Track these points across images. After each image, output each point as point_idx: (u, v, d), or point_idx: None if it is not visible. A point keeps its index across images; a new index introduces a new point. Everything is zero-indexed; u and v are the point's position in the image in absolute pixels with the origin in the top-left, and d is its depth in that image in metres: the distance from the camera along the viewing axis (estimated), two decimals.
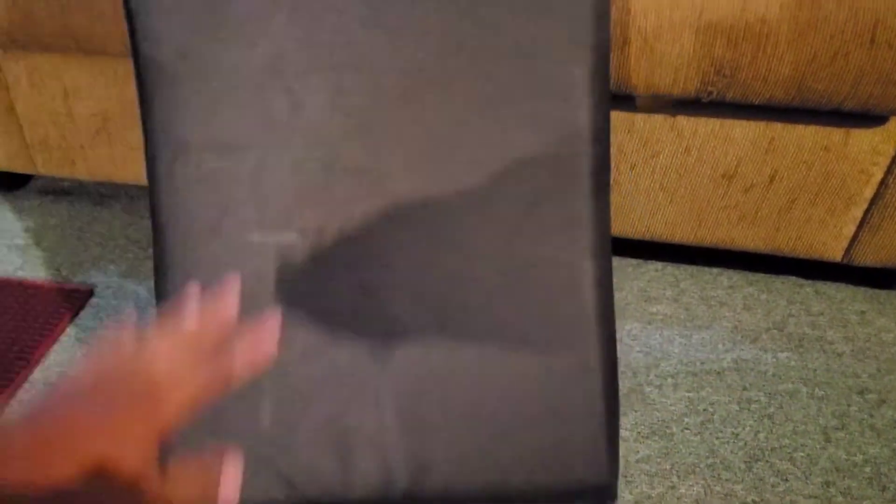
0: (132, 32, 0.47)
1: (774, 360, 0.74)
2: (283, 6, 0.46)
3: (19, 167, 0.87)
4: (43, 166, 0.86)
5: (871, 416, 0.68)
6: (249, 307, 0.35)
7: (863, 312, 0.80)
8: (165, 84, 0.48)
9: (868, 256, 0.76)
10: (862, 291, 0.83)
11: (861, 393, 0.70)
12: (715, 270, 0.86)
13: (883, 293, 0.83)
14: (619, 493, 0.60)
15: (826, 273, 0.85)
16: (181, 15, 0.46)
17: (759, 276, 0.85)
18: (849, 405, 0.69)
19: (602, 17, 0.51)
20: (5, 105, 0.81)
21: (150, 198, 0.51)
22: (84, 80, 0.77)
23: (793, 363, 0.73)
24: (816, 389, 0.71)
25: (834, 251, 0.77)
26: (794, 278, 0.85)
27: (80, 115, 0.79)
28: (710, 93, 0.66)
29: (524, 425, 0.49)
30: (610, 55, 0.54)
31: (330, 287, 0.49)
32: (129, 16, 0.48)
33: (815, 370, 0.73)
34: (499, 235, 0.49)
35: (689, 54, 0.63)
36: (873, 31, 0.60)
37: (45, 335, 0.74)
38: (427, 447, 0.48)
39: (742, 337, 0.76)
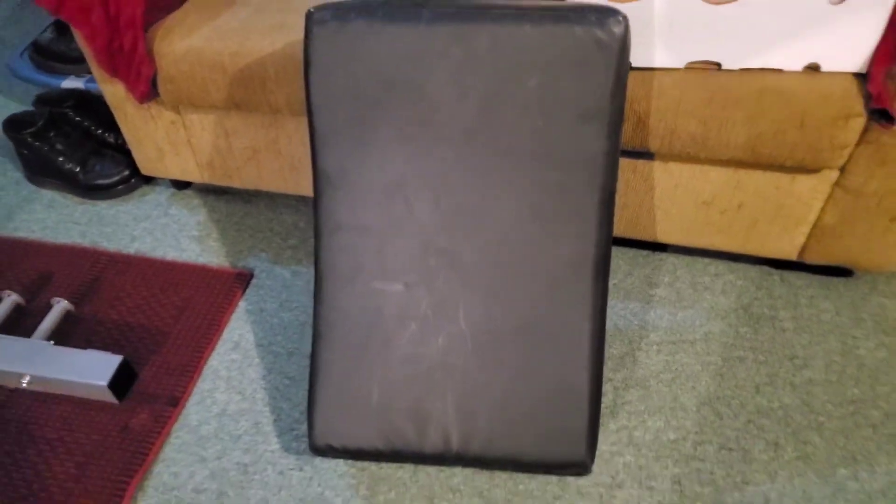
0: (313, 152, 0.82)
1: (735, 334, 1.07)
2: (406, 144, 0.79)
3: (191, 177, 1.24)
4: (208, 178, 1.23)
5: (794, 375, 1.01)
6: (369, 330, 0.71)
7: (812, 297, 1.11)
8: (329, 187, 0.82)
9: (815, 258, 1.06)
10: (817, 279, 1.13)
11: (792, 359, 1.03)
12: (707, 261, 1.17)
13: (833, 281, 1.13)
14: (608, 426, 0.96)
15: (793, 265, 1.15)
16: (342, 145, 0.80)
17: (740, 265, 1.16)
18: (780, 368, 1.02)
19: (620, 89, 0.79)
20: (185, 139, 1.17)
21: (314, 252, 0.87)
22: (240, 126, 1.12)
23: (748, 336, 1.06)
24: (759, 356, 1.04)
25: (790, 254, 1.07)
26: (767, 268, 1.15)
27: (237, 148, 1.15)
28: (689, 153, 0.95)
29: (533, 415, 0.85)
30: (623, 119, 0.83)
31: (420, 319, 0.85)
32: (312, 141, 0.82)
33: (763, 341, 1.05)
34: (519, 231, 0.83)
35: (671, 128, 0.92)
36: (802, 118, 0.87)
37: (226, 308, 1.14)
38: (470, 427, 0.85)
39: (715, 315, 1.09)
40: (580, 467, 0.85)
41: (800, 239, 1.04)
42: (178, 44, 1.05)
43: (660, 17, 0.86)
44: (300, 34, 1.00)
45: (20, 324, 1.12)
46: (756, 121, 0.90)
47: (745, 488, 0.91)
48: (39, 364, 1.01)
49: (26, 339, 1.04)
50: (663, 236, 1.10)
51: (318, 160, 0.84)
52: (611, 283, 1.15)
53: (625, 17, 0.77)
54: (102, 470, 0.94)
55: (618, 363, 1.04)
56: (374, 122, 0.82)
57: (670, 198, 1.04)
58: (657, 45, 0.88)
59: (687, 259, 1.18)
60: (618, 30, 0.74)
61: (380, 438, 0.87)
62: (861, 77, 0.87)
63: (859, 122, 0.88)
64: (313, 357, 0.89)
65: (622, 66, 0.77)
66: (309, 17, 0.83)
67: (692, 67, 0.90)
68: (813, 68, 0.87)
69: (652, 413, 0.99)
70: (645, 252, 1.19)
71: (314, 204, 0.85)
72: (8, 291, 1.11)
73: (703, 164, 0.99)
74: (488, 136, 0.80)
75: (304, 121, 1.08)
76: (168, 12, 1.10)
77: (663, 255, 1.19)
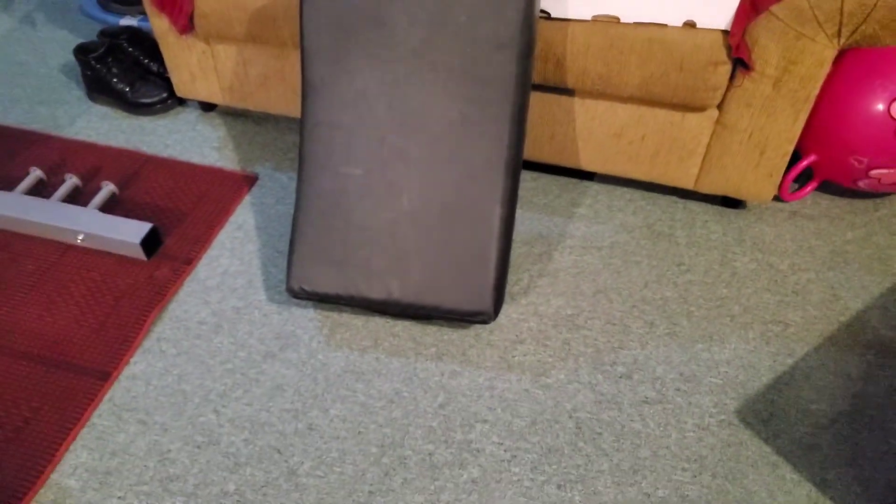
0: (302, 66, 1.12)
1: (637, 244, 1.33)
2: (370, 61, 1.08)
3: (215, 100, 1.56)
4: (229, 101, 1.54)
5: (678, 277, 1.27)
6: (335, 203, 1.00)
7: (706, 221, 1.36)
8: (313, 92, 1.11)
9: (707, 186, 1.31)
10: (714, 208, 1.39)
11: (679, 265, 1.29)
12: (625, 189, 1.43)
13: (727, 210, 1.38)
14: (520, 301, 1.24)
15: (696, 196, 1.41)
16: (323, 61, 1.10)
17: (652, 194, 1.42)
18: (667, 270, 1.28)
19: (528, 26, 1.06)
20: (212, 66, 1.48)
21: (299, 144, 1.16)
22: (255, 56, 1.42)
23: (647, 247, 1.32)
24: (653, 261, 1.30)
25: (687, 183, 1.32)
26: (674, 198, 1.41)
27: (252, 75, 1.46)
28: (598, 90, 1.22)
29: (453, 275, 1.13)
30: (535, 46, 1.11)
31: (373, 197, 1.14)
32: (302, 58, 1.12)
33: (658, 251, 1.32)
34: (451, 132, 1.11)
35: (583, 68, 1.19)
36: (682, 63, 1.13)
37: (234, 200, 1.44)
38: (406, 281, 1.14)
39: (623, 230, 1.36)
40: (486, 315, 1.13)
41: (693, 169, 1.30)
42: None
43: None
44: None
45: (77, 200, 1.44)
46: (647, 64, 1.16)
47: (619, 352, 1.18)
48: (91, 225, 1.33)
49: (83, 208, 1.36)
50: (585, 164, 1.36)
51: (306, 72, 1.13)
52: (541, 201, 1.43)
53: None
54: (132, 304, 1.26)
55: (536, 259, 1.31)
56: (348, 44, 1.11)
57: (588, 129, 1.31)
58: (570, 1, 1.15)
59: (609, 187, 1.45)
60: None
61: (339, 286, 1.16)
62: (727, 33, 1.13)
63: (726, 68, 1.14)
64: (294, 222, 1.19)
65: (530, 10, 1.05)
66: None
67: (598, 20, 1.16)
68: (690, 25, 1.14)
69: (556, 295, 1.26)
70: (575, 181, 1.46)
71: (301, 107, 1.15)
72: (70, 174, 1.43)
73: (611, 101, 1.26)
74: (430, 57, 1.09)
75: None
76: None
77: (590, 184, 1.45)
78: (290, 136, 1.60)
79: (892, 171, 1.26)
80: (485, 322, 1.15)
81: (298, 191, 1.18)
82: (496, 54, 1.07)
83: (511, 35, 1.06)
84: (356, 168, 1.14)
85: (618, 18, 1.16)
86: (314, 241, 1.18)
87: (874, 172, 1.28)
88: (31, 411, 1.12)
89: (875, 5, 1.02)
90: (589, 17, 1.16)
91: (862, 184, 1.32)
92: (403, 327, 1.22)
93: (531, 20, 1.06)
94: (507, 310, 1.24)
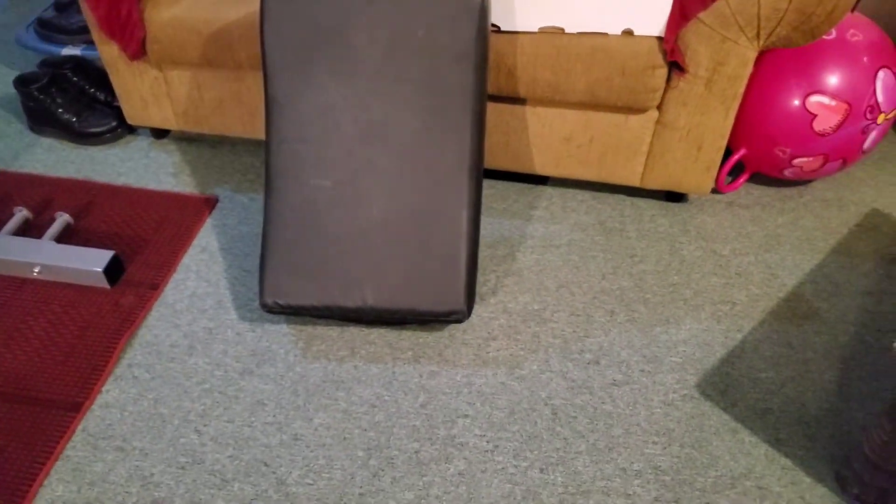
0: (266, 84, 1.15)
1: (592, 241, 1.42)
2: (334, 76, 1.13)
3: (168, 126, 1.56)
4: (183, 126, 1.55)
5: (632, 268, 1.37)
6: (306, 215, 1.04)
7: (653, 215, 1.47)
8: (277, 109, 1.15)
9: (652, 183, 1.42)
10: (659, 203, 1.50)
11: (632, 257, 1.39)
12: (577, 191, 1.53)
13: (671, 205, 1.50)
14: (489, 300, 1.30)
15: (641, 192, 1.51)
16: (288, 78, 1.14)
17: (602, 194, 1.52)
18: (622, 262, 1.38)
19: (482, 39, 1.14)
20: (165, 92, 1.49)
21: (265, 161, 1.20)
22: (210, 79, 1.45)
23: (601, 242, 1.42)
24: (608, 255, 1.39)
25: (634, 181, 1.43)
26: (622, 195, 1.52)
27: (207, 99, 1.48)
28: (548, 97, 1.31)
29: (426, 278, 1.18)
30: (488, 59, 1.18)
31: (343, 206, 1.18)
32: (265, 76, 1.15)
33: (611, 245, 1.41)
34: (415, 142, 1.17)
35: (532, 77, 1.28)
36: (623, 68, 1.23)
37: (196, 223, 1.45)
38: (380, 288, 1.18)
39: (578, 228, 1.44)
40: (460, 314, 1.19)
41: (638, 168, 1.40)
42: (165, 12, 1.37)
43: None
44: (258, 5, 1.34)
45: (29, 233, 1.42)
46: (591, 70, 1.26)
47: (585, 340, 1.25)
48: (47, 257, 1.31)
49: (37, 240, 1.34)
50: (539, 168, 1.45)
51: (269, 89, 1.17)
52: (500, 206, 1.50)
53: None
54: (99, 333, 1.24)
55: (500, 260, 1.38)
56: (311, 61, 1.16)
57: (540, 135, 1.40)
58: (517, 14, 1.24)
59: (561, 190, 1.54)
60: None
61: (314, 297, 1.19)
62: (661, 39, 1.24)
63: (663, 71, 1.25)
64: (264, 236, 1.21)
65: (483, 23, 1.12)
66: None
67: (544, 31, 1.26)
68: (628, 33, 1.24)
69: (522, 292, 1.33)
70: (530, 185, 1.55)
71: (266, 124, 1.18)
72: (19, 207, 1.41)
73: (560, 107, 1.35)
74: (391, 71, 1.15)
75: (261, 73, 1.41)
76: None
77: (544, 188, 1.54)
78: (247, 157, 1.62)
79: (811, 159, 1.40)
80: (459, 321, 1.20)
81: (267, 206, 1.21)
82: (454, 66, 1.14)
83: (467, 47, 1.13)
84: (325, 180, 1.18)
85: (562, 29, 1.25)
86: (286, 255, 1.20)
87: (797, 161, 1.41)
88: None
89: (786, 9, 1.15)
90: (536, 29, 1.25)
91: (787, 173, 1.45)
92: (379, 334, 1.26)
93: (485, 33, 1.14)
94: (478, 309, 1.30)
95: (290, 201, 1.20)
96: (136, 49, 1.41)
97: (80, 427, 1.13)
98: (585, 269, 1.38)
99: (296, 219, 1.19)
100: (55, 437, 1.11)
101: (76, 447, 1.11)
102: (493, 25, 1.26)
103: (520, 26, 1.25)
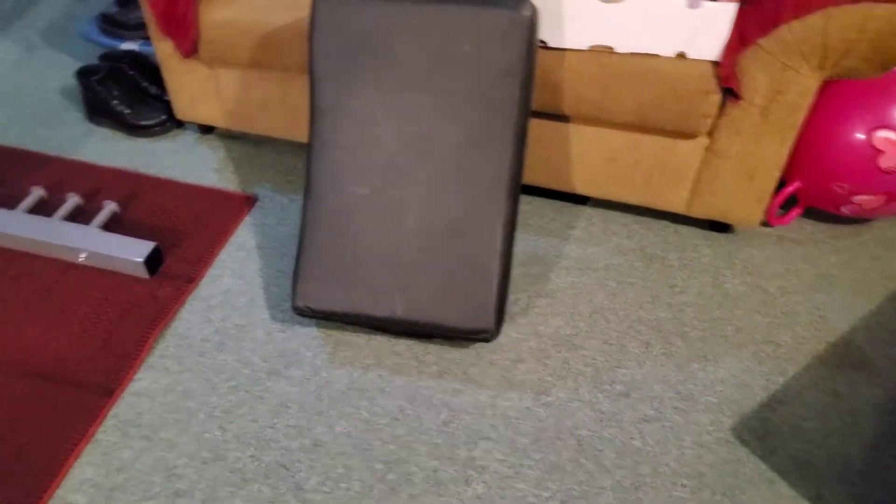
0: (311, 92, 1.17)
1: (631, 266, 1.38)
2: (378, 86, 1.14)
3: (215, 123, 1.60)
4: (229, 124, 1.58)
5: (672, 298, 1.33)
6: (341, 221, 1.05)
7: (697, 245, 1.43)
8: (321, 116, 1.16)
9: (698, 211, 1.38)
10: (704, 233, 1.45)
11: (672, 287, 1.35)
12: (619, 213, 1.49)
13: (717, 235, 1.45)
14: (519, 321, 1.28)
15: (688, 221, 1.47)
16: (333, 87, 1.15)
17: (645, 219, 1.48)
18: (661, 292, 1.34)
19: (530, 55, 1.12)
20: (214, 90, 1.52)
21: (306, 165, 1.21)
22: (258, 80, 1.47)
23: (641, 269, 1.38)
24: (647, 283, 1.35)
25: (679, 207, 1.39)
26: (666, 222, 1.47)
27: (254, 99, 1.50)
28: (593, 116, 1.28)
29: (457, 293, 1.17)
30: (535, 76, 1.17)
31: (379, 215, 1.18)
32: (311, 84, 1.16)
33: (651, 273, 1.37)
34: (455, 155, 1.16)
35: (578, 95, 1.25)
36: (675, 91, 1.20)
37: (234, 220, 1.48)
38: (410, 299, 1.17)
39: (618, 253, 1.41)
40: (488, 333, 1.17)
41: (685, 194, 1.36)
42: (218, 13, 1.40)
43: (568, 10, 1.20)
44: (308, 12, 1.35)
45: (78, 219, 1.46)
46: (641, 92, 1.23)
47: (617, 370, 1.22)
48: (94, 244, 1.35)
49: (85, 226, 1.38)
50: (580, 187, 1.42)
51: (314, 96, 1.18)
52: (537, 223, 1.48)
53: (532, 5, 1.11)
54: (135, 322, 1.28)
55: (533, 280, 1.36)
56: (357, 70, 1.16)
57: (582, 154, 1.37)
58: (567, 31, 1.22)
59: (602, 211, 1.50)
60: (527, 13, 1.08)
61: (344, 303, 1.19)
62: (716, 64, 1.20)
63: (716, 97, 1.21)
64: (300, 241, 1.22)
65: (532, 38, 1.11)
66: None
67: (594, 49, 1.23)
68: (681, 56, 1.21)
69: (554, 315, 1.30)
70: (569, 204, 1.52)
71: (309, 128, 1.19)
72: (71, 193, 1.45)
73: (605, 127, 1.32)
74: (436, 83, 1.14)
75: (307, 78, 1.43)
76: None
77: (583, 208, 1.51)
78: (288, 158, 1.64)
79: (873, 197, 1.34)
80: (487, 340, 1.19)
81: (305, 209, 1.22)
82: (500, 81, 1.13)
83: (514, 63, 1.11)
84: (363, 188, 1.18)
85: (612, 49, 1.23)
86: (320, 260, 1.21)
87: (857, 198, 1.35)
88: (35, 427, 1.13)
89: (857, 40, 1.09)
90: (585, 48, 1.23)
91: (845, 210, 1.39)
92: (406, 345, 1.25)
93: (533, 49, 1.12)
94: (507, 329, 1.28)
95: (327, 206, 1.20)
96: (190, 47, 1.44)
97: (111, 413, 1.16)
98: (622, 295, 1.34)
99: (332, 224, 1.20)
100: (88, 421, 1.14)
101: (107, 432, 1.13)
102: (541, 42, 1.25)
103: (568, 44, 1.23)
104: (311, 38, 1.19)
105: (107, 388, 1.18)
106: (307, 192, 1.22)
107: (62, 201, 1.50)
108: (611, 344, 1.26)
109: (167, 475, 1.08)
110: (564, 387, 1.20)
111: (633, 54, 1.22)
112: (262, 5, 1.41)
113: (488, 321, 1.17)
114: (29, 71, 1.94)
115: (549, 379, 1.21)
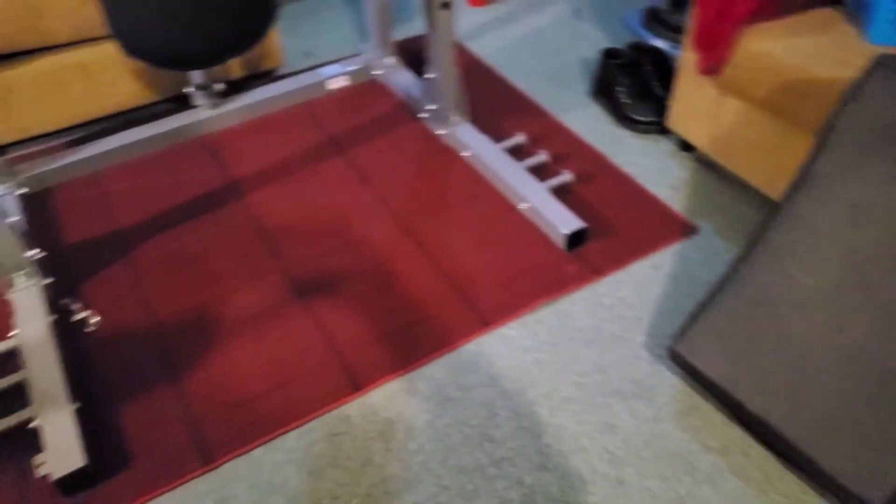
0: (813, 154, 1.07)
1: None
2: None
3: (697, 144, 1.59)
4: (710, 150, 1.56)
5: None
6: (764, 300, 0.94)
7: None
8: (809, 185, 1.07)
9: None
10: None
11: None
12: None
13: None
14: None
15: None
16: (839, 163, 1.04)
17: None
18: None
19: None
20: (714, 113, 1.51)
21: (762, 223, 1.13)
22: (759, 121, 1.40)
23: None
24: None
25: None
26: None
27: (747, 138, 1.44)
28: None
29: (860, 439, 0.97)
30: None
31: (810, 311, 1.04)
32: (815, 148, 1.07)
33: None
34: None
35: None
36: None
37: (663, 240, 1.48)
38: (794, 415, 1.01)
39: None
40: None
41: None
42: (760, 45, 1.36)
43: None
44: (855, 74, 1.22)
45: (538, 174, 1.65)
46: None
47: None
48: (538, 200, 1.51)
49: (540, 182, 1.56)
50: None
51: (813, 162, 1.08)
52: None
53: None
54: (536, 280, 1.41)
55: None
56: (877, 157, 1.02)
57: None
58: None
59: None
60: None
61: (721, 376, 1.11)
62: None
63: None
64: (714, 292, 1.17)
65: None
66: (879, 61, 1.05)
67: None
68: None
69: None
70: None
71: (788, 191, 1.10)
72: (543, 151, 1.65)
73: None
74: None
75: (812, 140, 1.31)
76: (775, 19, 1.42)
77: None
78: (748, 208, 1.55)
79: None
80: None
81: (735, 267, 1.15)
82: None
83: None
84: (809, 277, 1.06)
85: None
86: (724, 323, 1.14)
87: None
88: (430, 312, 1.35)
89: None
90: None
91: None
92: (761, 454, 1.12)
93: None
94: None
95: (758, 277, 1.11)
96: (712, 67, 1.44)
97: (475, 339, 1.32)
98: None
99: (753, 296, 1.11)
100: (461, 335, 1.32)
101: (465, 352, 1.30)
102: None
103: None
104: (844, 103, 1.07)
105: (483, 319, 1.34)
106: (746, 251, 1.14)
107: (533, 153, 1.70)
108: None
109: (488, 415, 1.19)
110: None
111: None
112: (807, 52, 1.31)
113: (877, 493, 0.96)
114: (566, 35, 2.20)
115: None
